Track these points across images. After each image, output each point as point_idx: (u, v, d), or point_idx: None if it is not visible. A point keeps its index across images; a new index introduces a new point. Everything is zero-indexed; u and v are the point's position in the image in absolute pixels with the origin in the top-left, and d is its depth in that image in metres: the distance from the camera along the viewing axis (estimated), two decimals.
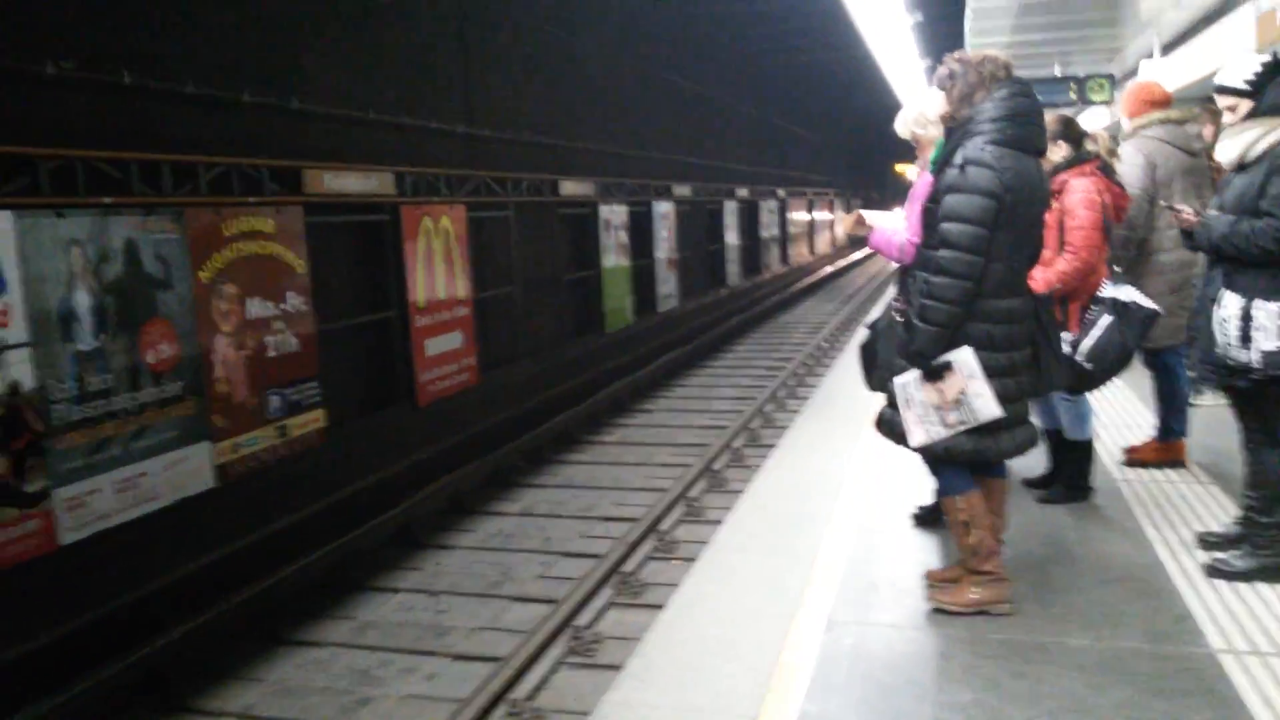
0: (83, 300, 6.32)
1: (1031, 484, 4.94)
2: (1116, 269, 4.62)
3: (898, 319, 3.63)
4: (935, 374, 3.39)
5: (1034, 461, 4.95)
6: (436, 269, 10.63)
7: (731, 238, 23.37)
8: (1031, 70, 16.48)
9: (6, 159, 5.96)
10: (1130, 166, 5.00)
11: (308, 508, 7.36)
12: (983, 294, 3.33)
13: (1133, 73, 12.51)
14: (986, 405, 3.37)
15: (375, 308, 9.93)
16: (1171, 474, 5.01)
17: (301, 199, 8.50)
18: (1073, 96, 14.56)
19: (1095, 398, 4.88)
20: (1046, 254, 4.53)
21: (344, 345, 9.39)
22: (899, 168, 43.73)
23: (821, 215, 36.54)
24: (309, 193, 8.59)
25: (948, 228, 3.28)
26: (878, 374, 3.87)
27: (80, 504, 6.20)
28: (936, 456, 3.50)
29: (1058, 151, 4.67)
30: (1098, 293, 4.45)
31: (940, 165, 3.47)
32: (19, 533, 5.81)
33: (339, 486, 7.83)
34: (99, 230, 6.48)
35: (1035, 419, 4.68)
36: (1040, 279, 4.47)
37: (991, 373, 3.36)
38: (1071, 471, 4.75)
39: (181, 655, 5.16)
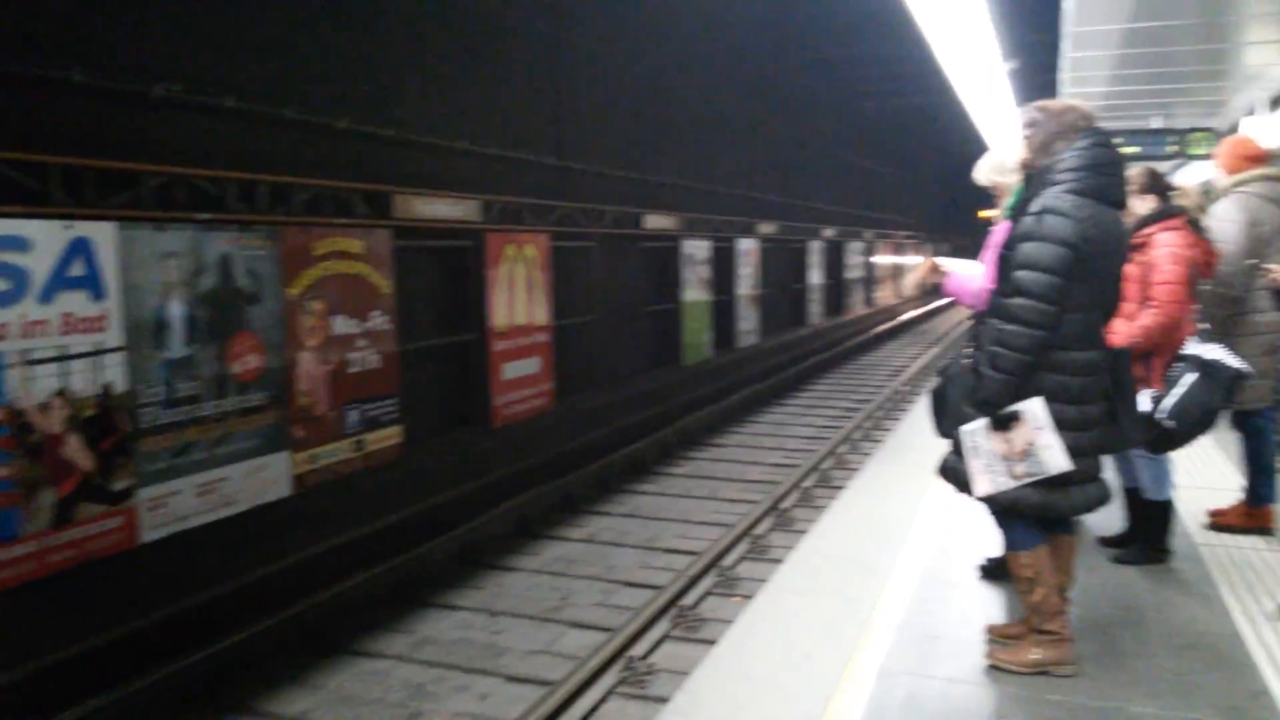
0: (176, 310, 6.59)
1: (1107, 542, 4.78)
2: (1203, 326, 4.46)
3: (968, 365, 3.57)
4: (1003, 423, 3.31)
5: (1111, 519, 4.81)
6: (517, 295, 10.80)
7: (815, 277, 23.26)
8: (1130, 121, 16.09)
9: (114, 174, 6.27)
10: (1228, 224, 4.83)
11: (378, 521, 7.49)
12: (1059, 345, 3.25)
13: (1236, 128, 12.13)
14: (1055, 458, 3.28)
15: (456, 330, 10.12)
16: (1258, 541, 4.79)
17: (390, 222, 8.74)
18: (1173, 150, 14.16)
19: (1180, 457, 4.70)
20: (1130, 308, 4.42)
21: (423, 365, 9.59)
22: (983, 214, 42.78)
23: (908, 259, 36.08)
24: (398, 216, 8.83)
25: (1022, 275, 3.22)
26: (947, 420, 3.79)
27: (161, 504, 6.43)
28: (1003, 509, 3.40)
29: (1144, 204, 4.56)
30: (1182, 349, 4.31)
31: (1016, 212, 3.41)
32: (103, 529, 6.05)
33: (410, 503, 7.96)
34: (195, 244, 6.76)
35: (1113, 476, 4.56)
36: (1122, 333, 4.36)
37: (1064, 425, 3.27)
38: (1149, 532, 4.58)
39: (245, 658, 5.28)
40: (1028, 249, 3.23)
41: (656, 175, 14.58)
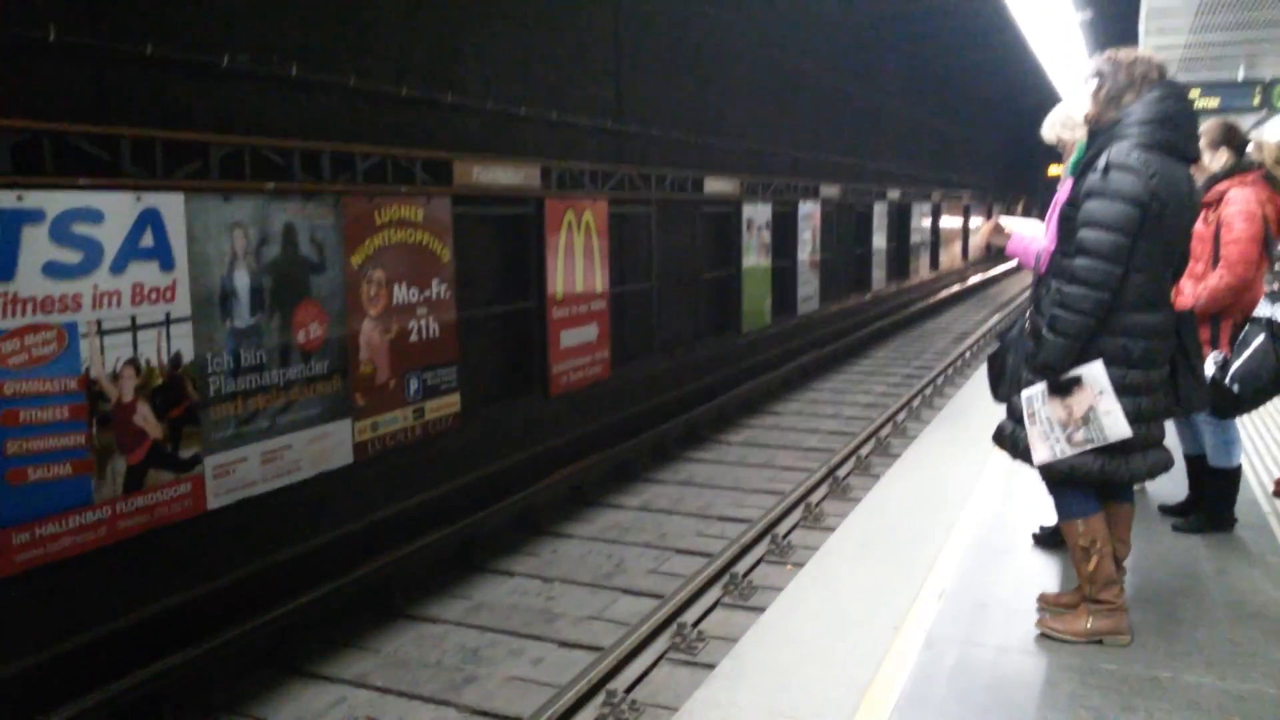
0: (242, 280, 6.73)
1: (1168, 511, 4.67)
2: (1275, 287, 4.30)
3: (1028, 330, 3.49)
4: (1063, 388, 3.23)
5: (1174, 487, 4.69)
6: (576, 262, 10.83)
7: (879, 241, 22.89)
8: (1212, 73, 15.45)
9: (182, 145, 6.40)
10: None
11: (437, 489, 7.62)
12: (1122, 307, 3.15)
13: None
14: (1116, 424, 3.19)
15: (514, 298, 10.19)
16: None
17: (450, 190, 8.80)
18: (1257, 102, 13.57)
19: (1245, 423, 4.56)
20: (1199, 268, 4.28)
21: (482, 333, 9.68)
22: (1053, 170, 42.28)
23: (976, 220, 35.33)
24: (458, 184, 8.89)
25: (1085, 234, 3.11)
26: (1004, 386, 3.73)
27: (228, 472, 6.62)
28: (1061, 477, 3.33)
29: (1218, 159, 4.40)
30: (1254, 311, 4.16)
31: (1082, 169, 3.29)
32: (172, 494, 6.25)
33: (468, 470, 8.08)
34: (261, 214, 6.88)
35: (1178, 442, 4.44)
36: (1190, 293, 4.22)
37: (1126, 390, 3.18)
38: (1213, 500, 4.46)
39: (307, 621, 5.43)
40: (1092, 206, 3.12)
41: (717, 138, 14.45)
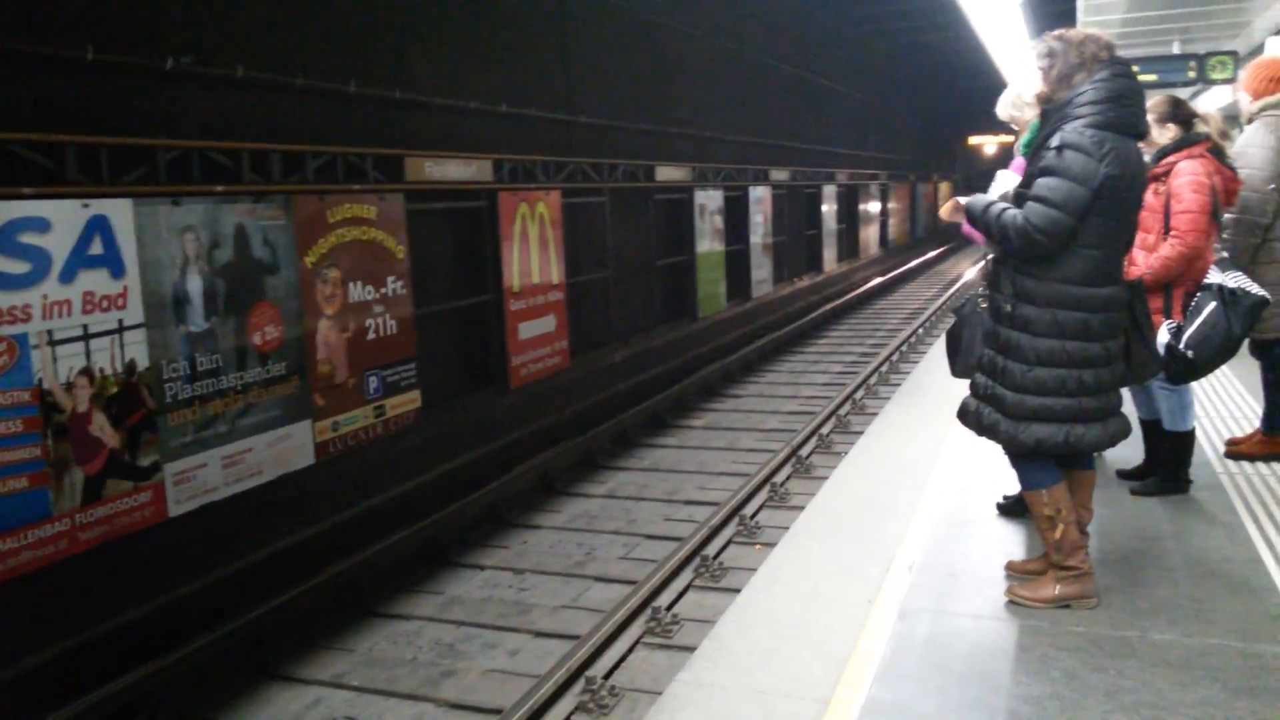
0: (195, 284, 6.63)
1: (1126, 475, 4.79)
2: (1223, 254, 4.42)
3: (982, 305, 3.57)
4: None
5: (1129, 452, 4.81)
6: (531, 254, 10.80)
7: (830, 223, 23.13)
8: (1148, 48, 15.76)
9: (128, 150, 6.28)
10: (1257, 149, 4.73)
11: (401, 485, 7.59)
12: (1080, 281, 3.23)
13: (1259, 50, 11.86)
14: None
15: (471, 292, 10.14)
16: (1277, 468, 4.79)
17: (403, 186, 8.72)
18: (1192, 75, 13.87)
19: (1198, 387, 4.70)
20: (1150, 239, 4.39)
21: (440, 328, 9.62)
22: (972, 140, 43.48)
23: (924, 199, 35.73)
24: (410, 180, 8.82)
25: (1031, 207, 3.19)
26: (961, 360, 3.80)
27: (188, 478, 6.52)
28: (1026, 450, 3.40)
29: (1166, 133, 4.51)
30: (1204, 279, 4.28)
31: (1035, 148, 3.36)
32: (132, 504, 6.15)
33: (432, 466, 8.04)
34: (211, 217, 6.78)
35: (1133, 409, 4.56)
36: (1143, 264, 4.33)
37: (1087, 363, 3.28)
38: (1169, 463, 4.59)
39: (278, 625, 5.39)
40: (1043, 183, 3.20)
41: (667, 125, 14.47)
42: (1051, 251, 3.20)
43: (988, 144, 40.86)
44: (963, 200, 3.66)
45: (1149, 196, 4.40)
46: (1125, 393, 4.30)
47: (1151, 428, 4.65)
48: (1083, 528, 3.58)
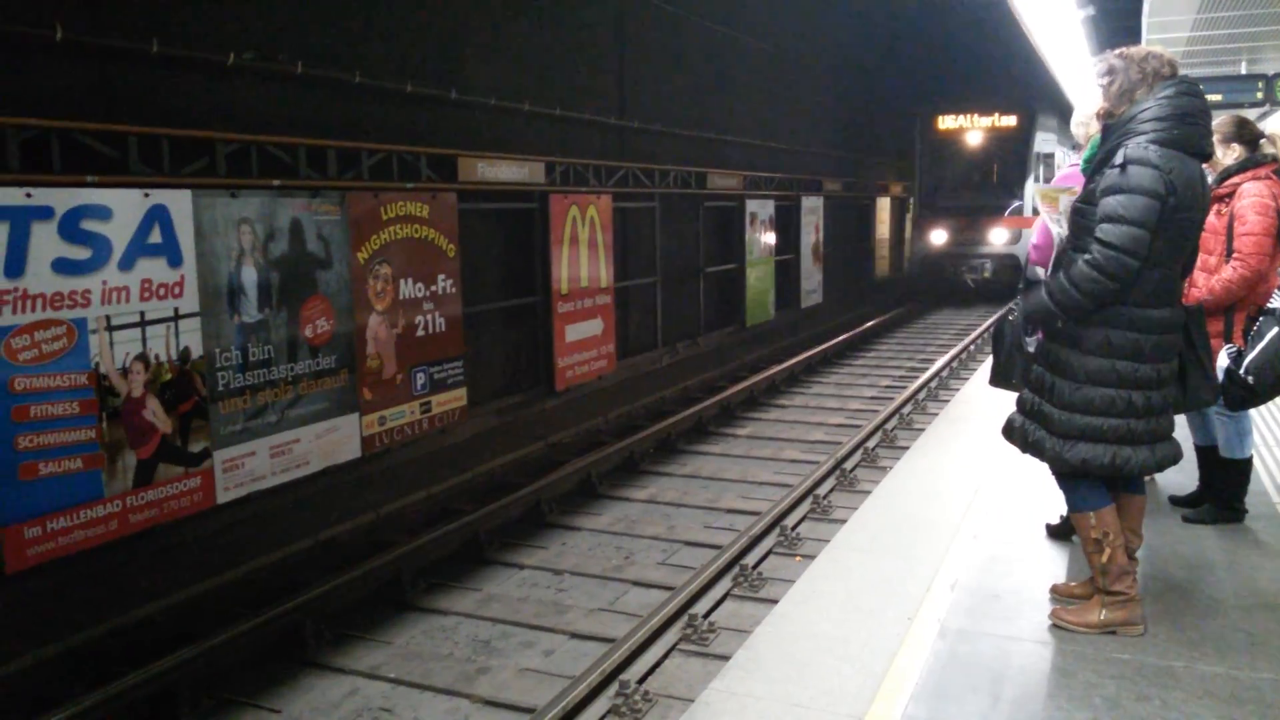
0: (249, 275, 6.74)
1: (1179, 502, 4.69)
2: None
3: (1010, 319, 3.55)
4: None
5: (1183, 479, 4.71)
6: (581, 257, 10.84)
7: (883, 233, 23.05)
8: (1214, 68, 15.44)
9: (189, 142, 6.41)
10: None
11: (444, 482, 7.64)
12: (1137, 302, 3.17)
13: None
14: None
15: (520, 292, 10.21)
16: None
17: (456, 186, 8.81)
18: (1260, 96, 13.56)
19: (1257, 414, 4.58)
20: (1212, 261, 4.30)
21: (488, 327, 9.70)
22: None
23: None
24: (463, 180, 8.90)
25: (1105, 228, 3.12)
26: (995, 370, 3.78)
27: (237, 465, 6.63)
28: (1072, 469, 3.34)
29: (1231, 154, 4.42)
30: (1267, 304, 4.17)
31: (1096, 165, 3.30)
32: (181, 489, 6.27)
33: (474, 464, 8.09)
34: (267, 210, 6.89)
35: (1188, 434, 4.46)
36: (1203, 286, 4.24)
37: (1138, 384, 3.21)
38: (1224, 490, 4.48)
39: (318, 614, 5.45)
40: (1113, 201, 3.13)
41: (720, 133, 14.44)
42: (1134, 270, 3.10)
43: (972, 131, 20.78)
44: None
45: (1211, 217, 4.31)
46: (1180, 417, 4.21)
47: (1207, 454, 4.54)
48: (1131, 553, 3.51)
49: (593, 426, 9.63)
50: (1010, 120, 19.96)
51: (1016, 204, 19.55)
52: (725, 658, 4.28)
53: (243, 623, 5.17)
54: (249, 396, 6.74)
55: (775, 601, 4.18)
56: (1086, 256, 3.13)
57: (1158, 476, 4.89)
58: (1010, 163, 19.91)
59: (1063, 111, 20.76)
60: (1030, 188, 18.48)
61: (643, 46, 12.41)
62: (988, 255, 19.70)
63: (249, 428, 6.73)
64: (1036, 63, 16.99)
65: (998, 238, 19.56)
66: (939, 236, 20.15)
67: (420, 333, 8.39)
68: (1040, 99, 20.74)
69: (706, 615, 5.42)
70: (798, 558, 6.32)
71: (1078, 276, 3.15)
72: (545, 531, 7.18)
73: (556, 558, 6.62)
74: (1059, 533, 4.37)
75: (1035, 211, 16.59)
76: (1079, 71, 16.43)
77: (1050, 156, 20.04)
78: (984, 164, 20.52)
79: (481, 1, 9.49)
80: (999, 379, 3.73)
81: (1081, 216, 3.26)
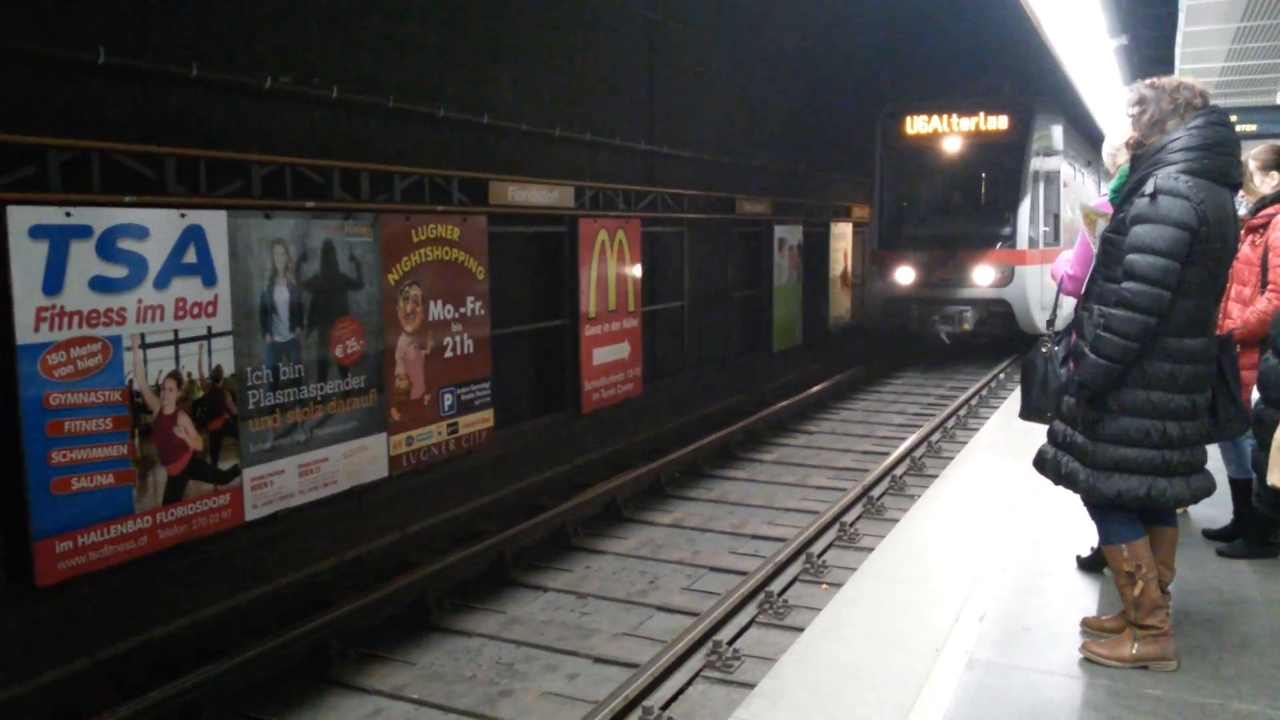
0: (281, 295, 6.83)
1: (1213, 535, 4.61)
2: None
3: (1043, 351, 3.51)
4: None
5: (1217, 512, 4.64)
6: (609, 281, 10.88)
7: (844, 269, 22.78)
8: (1248, 98, 15.35)
9: (225, 163, 6.52)
10: None
11: (469, 503, 7.65)
12: (1170, 332, 3.14)
13: None
14: None
15: (547, 315, 10.25)
16: None
17: (486, 209, 8.89)
18: None
19: None
20: (1246, 291, 4.25)
21: (515, 350, 9.75)
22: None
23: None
24: (493, 203, 8.97)
25: (1134, 259, 3.09)
26: (1025, 403, 3.74)
27: (266, 483, 6.69)
28: (1106, 500, 3.30)
29: (1268, 182, 4.38)
30: None
31: (1125, 194, 3.29)
32: (211, 505, 6.33)
33: (500, 485, 8.10)
34: (301, 231, 6.98)
35: (1221, 466, 4.39)
36: (1237, 317, 4.19)
37: (1172, 415, 3.18)
38: (1259, 524, 4.40)
39: (343, 634, 5.46)
40: (1141, 231, 3.11)
41: (748, 159, 14.48)
42: (1164, 301, 3.06)
43: (950, 136, 15.39)
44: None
45: (1245, 248, 4.27)
46: (1214, 450, 4.15)
47: (1242, 487, 4.47)
48: (1164, 586, 3.45)
49: (619, 449, 9.63)
50: (1000, 121, 14.83)
51: (1007, 233, 14.58)
52: (750, 686, 4.25)
53: (269, 640, 5.18)
54: (279, 415, 6.80)
55: (801, 629, 4.14)
56: (1117, 298, 3.11)
57: (1191, 510, 4.83)
58: (1000, 178, 15.04)
59: (1072, 113, 17.27)
60: (1024, 212, 14.47)
61: (670, 74, 12.48)
62: (968, 300, 14.60)
63: (278, 446, 6.79)
64: (1037, 47, 13.59)
65: (982, 277, 14.47)
66: (905, 275, 14.97)
67: (449, 354, 8.45)
68: (1043, 94, 15.89)
69: (731, 642, 5.38)
70: (824, 586, 6.27)
71: (1115, 322, 3.11)
72: (570, 554, 7.17)
73: (581, 581, 6.61)
74: (1090, 565, 4.31)
75: (1035, 242, 13.82)
76: (1108, 91, 16.09)
77: (1053, 176, 15.13)
78: (965, 180, 15.57)
79: (513, 28, 9.60)
80: (1031, 413, 3.69)
81: (1110, 245, 3.24)
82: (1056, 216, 15.37)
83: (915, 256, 14.97)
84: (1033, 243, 14.47)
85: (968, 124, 15.04)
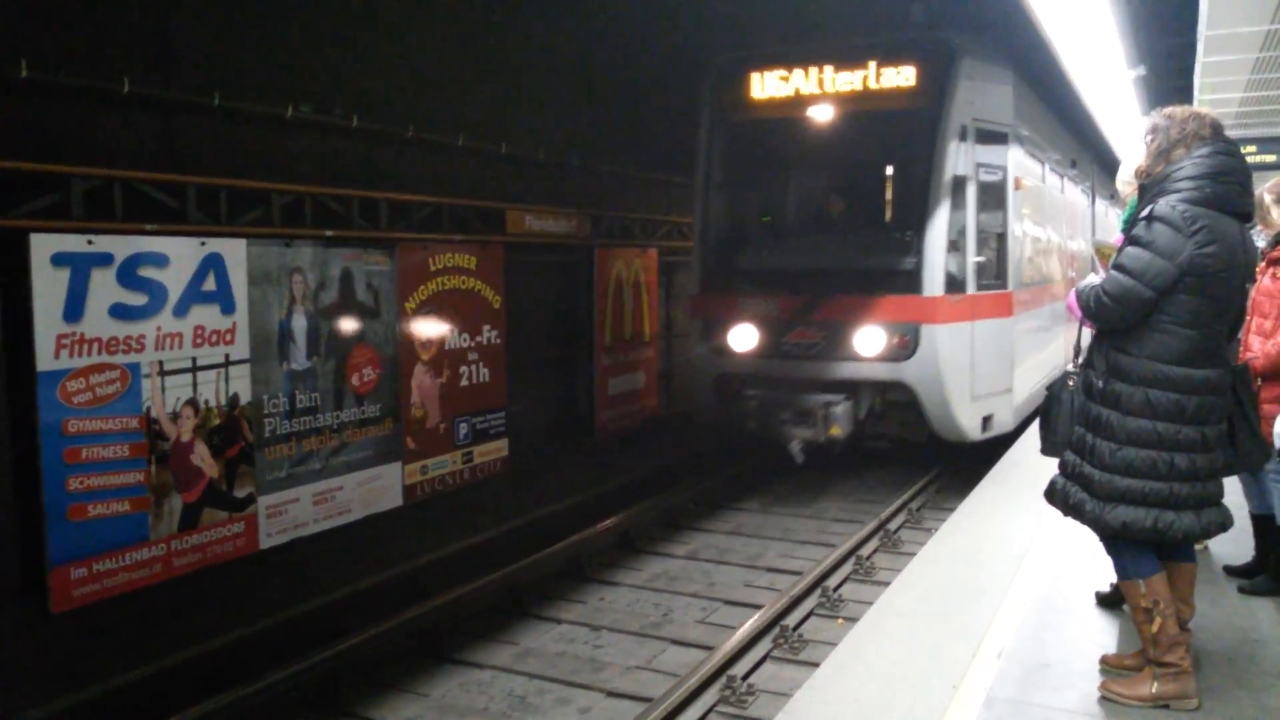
0: (299, 323, 6.87)
1: (1234, 572, 4.54)
2: None
3: (1071, 383, 3.48)
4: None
5: (1238, 549, 4.57)
6: (625, 309, 10.90)
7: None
8: (1268, 128, 15.28)
9: (245, 192, 6.59)
10: None
11: (484, 532, 7.63)
12: (1173, 361, 3.13)
13: None
14: None
15: (563, 343, 10.26)
16: None
17: (503, 238, 8.93)
18: None
19: None
20: (1268, 325, 4.21)
21: (531, 378, 9.75)
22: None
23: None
24: (511, 232, 9.02)
25: (1112, 276, 3.20)
26: (1049, 438, 3.69)
27: (281, 511, 6.69)
28: (1113, 531, 3.27)
29: None
30: None
31: (1132, 223, 3.32)
32: (226, 533, 6.34)
33: (515, 515, 8.08)
34: (319, 260, 7.03)
35: (1243, 501, 4.33)
36: (1259, 351, 4.15)
37: (1181, 447, 3.15)
38: None
39: (355, 664, 5.43)
40: (1126, 253, 3.18)
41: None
42: (1127, 321, 3.18)
43: (819, 103, 8.66)
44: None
45: (1266, 281, 4.23)
46: (1236, 484, 4.10)
47: (1264, 523, 4.40)
48: (1183, 623, 3.40)
49: (634, 479, 9.59)
50: (900, 75, 8.53)
51: (908, 267, 8.33)
52: None
53: (281, 670, 5.16)
54: (294, 443, 6.82)
55: (816, 664, 4.10)
56: (1094, 287, 3.24)
57: (1212, 546, 4.76)
58: (899, 173, 9.11)
59: (1039, 70, 10.34)
60: (937, 232, 8.17)
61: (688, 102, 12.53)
62: (842, 384, 8.61)
63: (293, 474, 6.81)
64: None
65: (866, 343, 8.33)
66: (742, 338, 8.82)
67: (464, 383, 8.46)
68: (985, 30, 9.59)
69: (745, 677, 5.31)
70: (840, 620, 6.20)
71: (1086, 290, 3.28)
72: (584, 585, 7.12)
73: (595, 613, 6.56)
74: (1109, 601, 4.24)
75: (959, 283, 8.05)
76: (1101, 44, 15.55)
77: (994, 170, 8.76)
78: (843, 177, 9.46)
79: (532, 62, 9.68)
80: (1055, 449, 3.63)
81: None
82: (1001, 238, 8.77)
83: (757, 305, 8.72)
84: (954, 284, 8.23)
85: (847, 82, 8.58)
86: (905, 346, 8.16)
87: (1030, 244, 9.99)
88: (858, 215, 9.11)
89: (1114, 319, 3.19)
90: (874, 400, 8.68)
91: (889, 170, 9.15)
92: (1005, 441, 8.61)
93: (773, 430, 8.58)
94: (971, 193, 8.44)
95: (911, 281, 8.20)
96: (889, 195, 9.12)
